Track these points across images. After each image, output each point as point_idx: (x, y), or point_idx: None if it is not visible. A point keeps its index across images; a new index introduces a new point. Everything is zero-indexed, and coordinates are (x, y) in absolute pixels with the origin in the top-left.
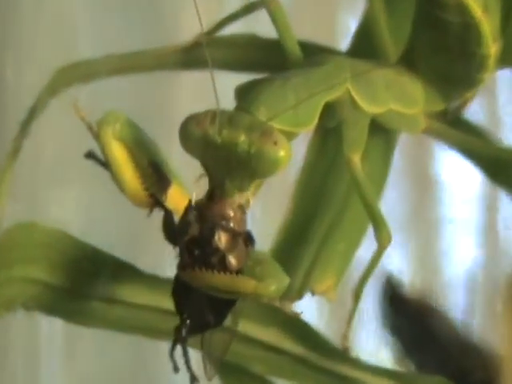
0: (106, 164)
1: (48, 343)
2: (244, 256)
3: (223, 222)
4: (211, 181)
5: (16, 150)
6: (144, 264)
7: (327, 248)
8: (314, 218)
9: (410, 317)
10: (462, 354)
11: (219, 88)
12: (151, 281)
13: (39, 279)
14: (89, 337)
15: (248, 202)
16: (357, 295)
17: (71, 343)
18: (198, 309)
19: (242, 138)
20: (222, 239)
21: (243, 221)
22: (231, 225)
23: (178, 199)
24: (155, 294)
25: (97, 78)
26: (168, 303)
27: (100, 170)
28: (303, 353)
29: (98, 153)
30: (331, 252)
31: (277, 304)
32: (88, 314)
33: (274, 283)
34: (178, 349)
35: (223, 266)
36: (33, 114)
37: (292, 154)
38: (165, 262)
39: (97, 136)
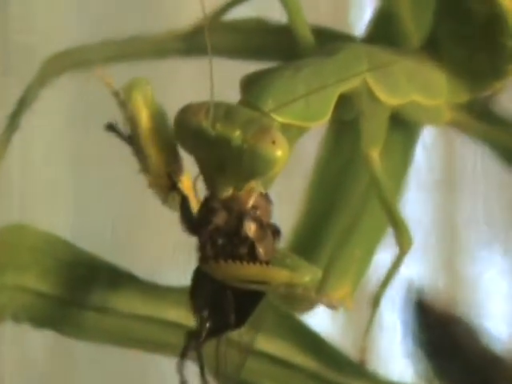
0: (128, 138)
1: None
2: (272, 248)
3: (251, 211)
4: (203, 176)
5: (4, 145)
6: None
7: (343, 253)
8: (329, 221)
9: (434, 327)
10: (486, 364)
11: (224, 78)
12: (151, 289)
13: (29, 287)
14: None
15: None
16: (375, 304)
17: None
18: (220, 307)
19: (237, 133)
20: (251, 228)
21: (270, 211)
22: (259, 214)
23: (186, 187)
24: (155, 303)
25: (90, 67)
26: (170, 314)
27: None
28: (316, 367)
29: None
30: (347, 257)
31: (312, 296)
32: (82, 325)
33: (308, 274)
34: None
35: (252, 257)
36: (22, 105)
37: (288, 156)
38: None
39: (123, 104)
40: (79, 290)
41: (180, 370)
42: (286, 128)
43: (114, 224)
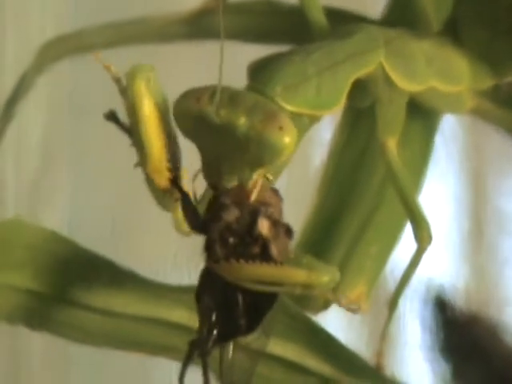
0: (128, 128)
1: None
2: (286, 247)
3: (264, 208)
4: (204, 164)
5: None
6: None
7: (358, 250)
8: (343, 216)
9: (454, 327)
10: (509, 365)
11: (232, 62)
12: (154, 289)
13: (25, 286)
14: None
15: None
16: (393, 304)
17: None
18: (230, 311)
19: (242, 119)
20: (264, 226)
21: (281, 210)
22: (272, 211)
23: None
24: (158, 304)
25: (88, 52)
26: (175, 315)
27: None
28: (330, 372)
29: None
30: (363, 255)
31: (331, 297)
32: (80, 326)
33: (327, 274)
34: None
35: (266, 256)
36: (18, 93)
37: (297, 143)
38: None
39: (125, 90)
40: (78, 290)
41: (181, 380)
42: (295, 117)
43: (113, 220)
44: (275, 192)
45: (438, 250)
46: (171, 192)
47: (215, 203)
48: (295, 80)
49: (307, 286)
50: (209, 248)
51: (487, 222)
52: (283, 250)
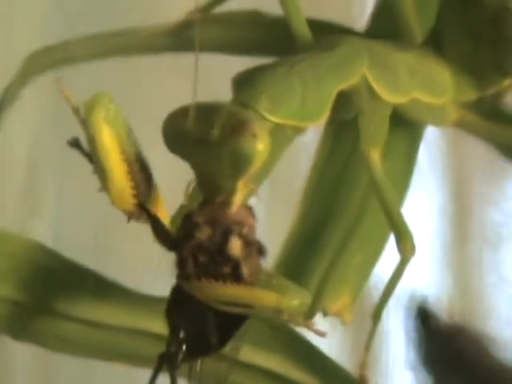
0: (91, 155)
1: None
2: (258, 267)
3: (237, 227)
4: (196, 180)
5: None
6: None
7: (342, 261)
8: (326, 226)
9: (438, 338)
10: (492, 376)
11: (219, 73)
12: (138, 300)
13: (8, 296)
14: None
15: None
16: (376, 315)
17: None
18: (199, 328)
19: (216, 130)
20: (236, 246)
21: (255, 229)
22: (245, 231)
23: (156, 205)
24: (143, 314)
25: (73, 64)
26: (158, 326)
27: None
28: (314, 383)
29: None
30: (346, 266)
31: (299, 322)
32: (64, 337)
33: (298, 297)
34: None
35: (237, 277)
36: (3, 105)
37: (270, 149)
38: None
39: (84, 121)
40: (61, 300)
41: None
42: (279, 128)
43: (98, 230)
44: (249, 210)
45: (422, 261)
46: (138, 215)
47: (188, 221)
48: (280, 92)
49: (276, 310)
50: (180, 266)
51: (471, 233)
52: (254, 270)
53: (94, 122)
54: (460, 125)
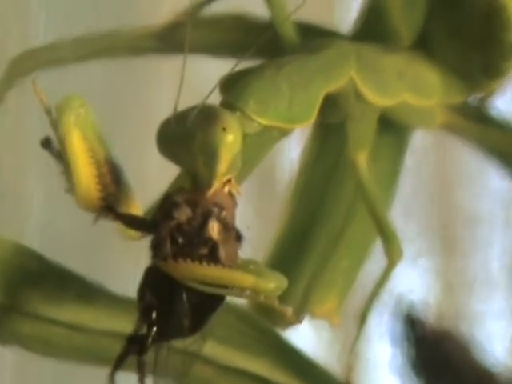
0: (60, 156)
1: None
2: (235, 252)
3: (217, 210)
4: (186, 179)
5: None
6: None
7: (328, 264)
8: (313, 230)
9: (424, 342)
10: (478, 380)
11: (205, 76)
12: (122, 304)
13: None
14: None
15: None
16: (363, 319)
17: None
18: (173, 310)
19: (190, 126)
20: (215, 228)
21: (234, 214)
22: (224, 214)
23: (128, 206)
24: (127, 319)
25: (60, 66)
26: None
27: None
28: None
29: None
30: (333, 269)
31: (275, 305)
32: (51, 341)
33: (274, 280)
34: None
35: (215, 258)
36: None
37: (240, 142)
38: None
39: (55, 123)
40: (46, 304)
41: (112, 377)
42: (266, 129)
43: (84, 234)
44: (231, 196)
45: (409, 266)
46: (105, 215)
47: (167, 201)
48: (267, 94)
49: (253, 292)
50: (157, 246)
51: (458, 238)
52: (232, 254)
53: (64, 124)
54: (447, 127)
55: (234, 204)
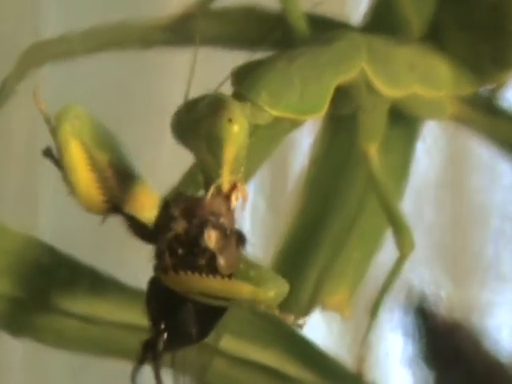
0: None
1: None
2: (236, 258)
3: (213, 218)
4: (200, 169)
5: None
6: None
7: (340, 256)
8: (324, 221)
9: (436, 334)
10: (489, 372)
11: (216, 68)
12: (135, 296)
13: (6, 293)
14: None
15: (243, 195)
16: (374, 311)
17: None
18: (179, 319)
19: (200, 116)
20: (211, 237)
21: (234, 218)
22: (222, 222)
23: (144, 200)
24: (140, 311)
25: (71, 58)
26: None
27: None
28: (311, 378)
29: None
30: (344, 260)
31: (276, 314)
32: (63, 333)
33: (274, 288)
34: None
35: (213, 269)
36: (0, 98)
37: (246, 134)
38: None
39: (54, 132)
40: (59, 296)
41: (134, 378)
42: (278, 121)
43: (96, 226)
44: (227, 200)
45: (420, 257)
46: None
47: (165, 213)
48: (279, 85)
49: (252, 302)
50: (158, 257)
51: (470, 230)
52: (233, 260)
53: (61, 134)
54: (457, 119)
55: (232, 208)
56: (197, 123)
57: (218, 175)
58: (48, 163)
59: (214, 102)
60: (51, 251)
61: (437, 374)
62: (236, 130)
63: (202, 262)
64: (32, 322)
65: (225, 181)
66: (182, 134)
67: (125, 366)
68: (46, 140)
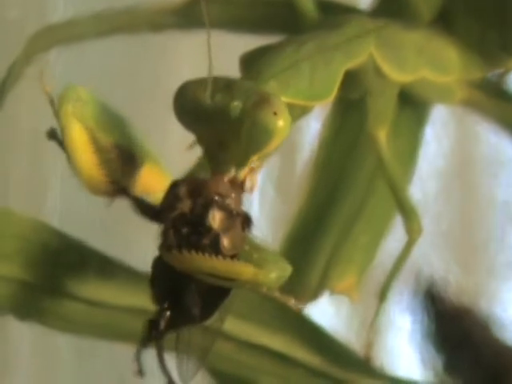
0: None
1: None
2: (240, 239)
3: (219, 199)
4: (205, 155)
5: None
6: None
7: (348, 240)
8: (333, 206)
9: (444, 319)
10: (498, 356)
11: (226, 52)
12: (143, 280)
13: (14, 276)
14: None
15: (252, 181)
16: (382, 295)
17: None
18: (182, 298)
19: (236, 103)
20: (216, 218)
21: (241, 200)
22: (227, 203)
23: (153, 179)
24: (148, 295)
25: (79, 41)
26: None
27: None
28: (318, 363)
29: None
30: (353, 245)
31: (276, 295)
32: (70, 317)
33: (275, 270)
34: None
35: (216, 249)
36: (6, 84)
37: (290, 128)
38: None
39: (56, 113)
40: (67, 280)
41: (138, 358)
42: (288, 107)
43: (104, 210)
44: (234, 182)
45: (429, 242)
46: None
47: (171, 192)
48: (288, 71)
49: (254, 283)
50: (162, 236)
51: (478, 214)
52: (237, 242)
53: (63, 116)
54: (466, 103)
55: (241, 189)
56: (210, 110)
57: (244, 164)
58: (56, 147)
59: (256, 93)
60: (59, 235)
61: (445, 357)
62: (282, 125)
63: (206, 241)
64: (40, 306)
65: (245, 170)
66: (188, 118)
67: (133, 350)
68: (54, 124)
